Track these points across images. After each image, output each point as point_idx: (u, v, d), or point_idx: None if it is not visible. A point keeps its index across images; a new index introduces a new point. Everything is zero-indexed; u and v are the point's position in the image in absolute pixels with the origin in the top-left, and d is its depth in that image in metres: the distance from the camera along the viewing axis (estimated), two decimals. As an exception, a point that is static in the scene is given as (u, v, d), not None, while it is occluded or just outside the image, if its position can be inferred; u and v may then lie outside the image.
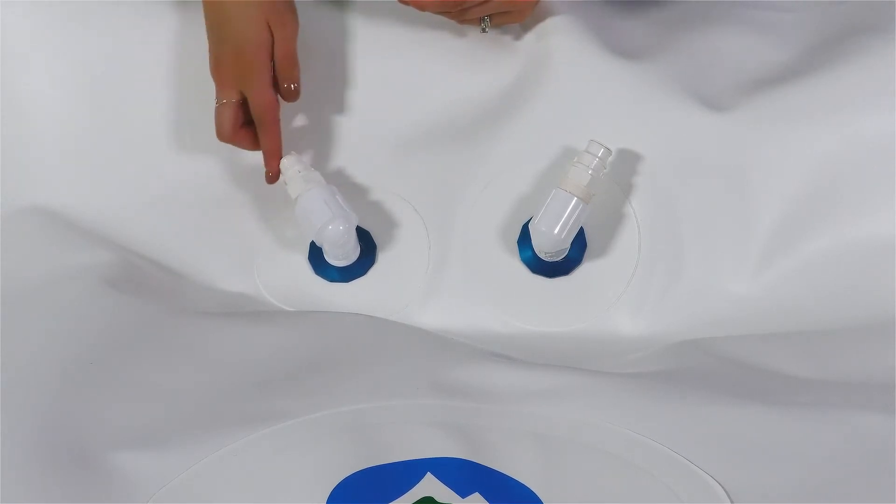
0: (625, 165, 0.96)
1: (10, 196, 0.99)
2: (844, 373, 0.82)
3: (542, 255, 0.95)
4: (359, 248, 0.98)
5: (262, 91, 0.93)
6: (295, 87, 0.94)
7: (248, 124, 0.95)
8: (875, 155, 0.91)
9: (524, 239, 0.96)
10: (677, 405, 0.77)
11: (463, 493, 0.70)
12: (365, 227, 0.98)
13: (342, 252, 0.96)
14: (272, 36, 0.92)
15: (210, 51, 0.94)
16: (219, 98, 0.93)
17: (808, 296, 0.92)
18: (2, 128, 0.99)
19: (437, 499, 0.69)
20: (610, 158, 0.93)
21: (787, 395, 0.78)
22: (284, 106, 1.01)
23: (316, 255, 0.99)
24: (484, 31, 0.97)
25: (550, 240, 0.91)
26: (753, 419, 0.75)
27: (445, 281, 0.97)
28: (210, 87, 0.97)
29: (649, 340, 0.92)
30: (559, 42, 0.98)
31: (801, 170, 0.93)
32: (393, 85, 1.01)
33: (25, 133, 1.00)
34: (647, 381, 0.81)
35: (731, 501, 0.69)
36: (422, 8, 0.91)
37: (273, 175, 0.95)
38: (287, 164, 0.95)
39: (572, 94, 0.97)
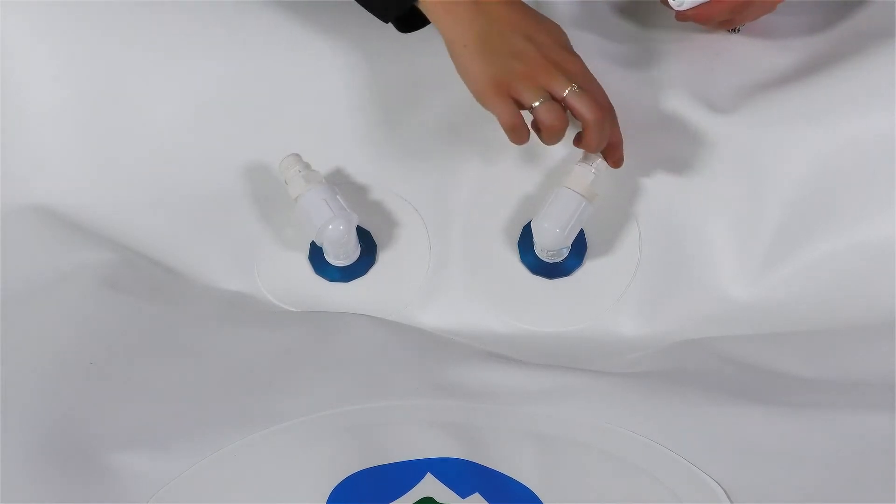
0: (626, 166, 0.95)
1: (10, 195, 0.99)
2: (844, 373, 0.82)
3: (542, 255, 0.95)
4: (359, 248, 0.98)
5: (596, 83, 0.89)
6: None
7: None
8: (876, 156, 0.91)
9: (525, 241, 0.96)
10: (677, 405, 0.77)
11: (463, 494, 0.70)
12: (365, 226, 0.99)
13: (342, 252, 0.96)
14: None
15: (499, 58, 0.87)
16: (528, 101, 0.86)
17: (808, 296, 0.91)
18: (2, 127, 0.99)
19: (437, 499, 0.69)
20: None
21: (787, 395, 0.78)
22: (284, 106, 1.01)
23: (316, 255, 0.99)
24: (737, 31, 1.00)
25: (553, 237, 0.91)
26: (753, 419, 0.75)
27: (445, 281, 0.97)
28: (206, 85, 0.97)
29: (649, 340, 0.92)
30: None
31: (803, 171, 0.93)
32: (394, 85, 1.01)
33: (26, 133, 1.00)
34: (647, 381, 0.81)
35: (731, 502, 0.69)
36: (704, 23, 0.95)
37: (620, 159, 0.92)
38: (287, 164, 0.95)
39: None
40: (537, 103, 0.85)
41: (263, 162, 1.00)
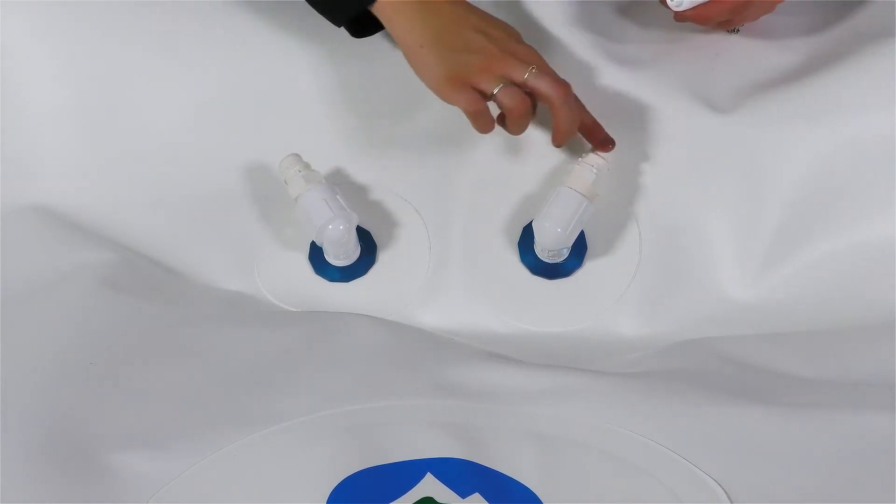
0: (626, 166, 0.96)
1: (10, 195, 0.99)
2: (844, 373, 0.82)
3: (543, 255, 0.95)
4: (359, 248, 0.98)
5: (552, 70, 0.91)
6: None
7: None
8: (876, 156, 0.91)
9: (525, 241, 0.96)
10: (677, 405, 0.77)
11: (463, 494, 0.70)
12: (365, 226, 0.98)
13: (343, 252, 0.96)
14: None
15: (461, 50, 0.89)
16: (488, 89, 0.88)
17: (808, 297, 0.91)
18: (2, 127, 0.99)
19: (437, 499, 0.69)
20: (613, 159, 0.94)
21: (787, 395, 0.78)
22: (284, 106, 1.01)
23: (316, 255, 0.99)
24: (736, 31, 1.01)
25: (554, 237, 0.91)
26: (754, 419, 0.75)
27: (445, 281, 0.97)
28: (206, 85, 0.97)
29: (649, 340, 0.92)
30: (561, 43, 0.99)
31: (803, 171, 0.93)
32: (394, 85, 1.01)
33: (26, 133, 1.00)
34: (647, 381, 0.81)
35: (731, 502, 0.69)
36: (703, 23, 0.95)
37: (607, 139, 0.94)
38: (287, 164, 0.95)
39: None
40: (497, 89, 0.86)
41: (263, 162, 1.00)
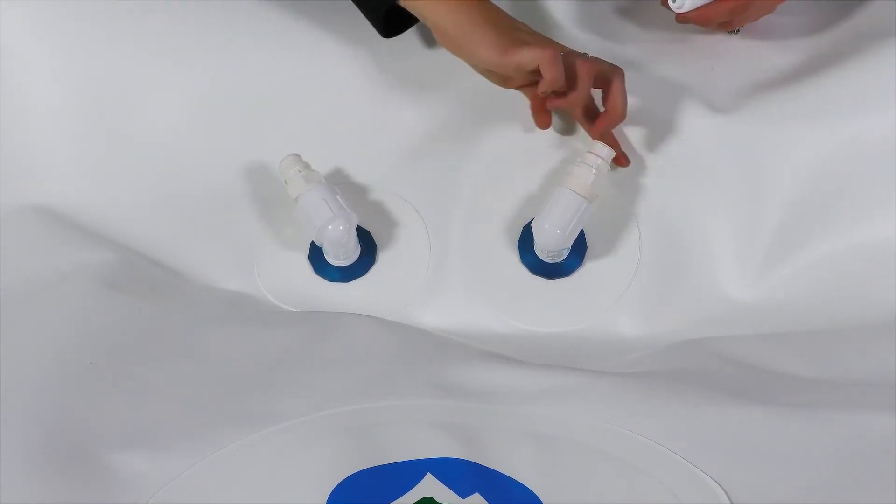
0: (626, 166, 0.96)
1: (10, 195, 0.99)
2: (844, 373, 0.82)
3: (542, 255, 0.95)
4: (359, 248, 0.98)
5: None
6: None
7: None
8: (876, 156, 0.92)
9: (525, 241, 0.96)
10: (677, 405, 0.77)
11: (463, 494, 0.70)
12: (365, 227, 0.98)
13: (343, 252, 0.96)
14: None
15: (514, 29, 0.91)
16: (554, 54, 0.88)
17: (808, 297, 0.92)
18: (2, 127, 0.99)
19: (437, 499, 0.69)
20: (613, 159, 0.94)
21: (787, 395, 0.78)
22: (284, 106, 1.02)
23: (316, 255, 0.99)
24: (737, 32, 1.01)
25: (553, 238, 0.91)
26: (754, 419, 0.75)
27: (445, 281, 0.97)
28: (206, 85, 0.97)
29: (649, 340, 0.92)
30: (561, 43, 0.99)
31: (803, 171, 0.93)
32: (394, 85, 1.01)
33: (26, 133, 1.00)
34: (647, 381, 0.81)
35: (731, 502, 0.69)
36: (704, 25, 0.97)
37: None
38: (287, 164, 0.95)
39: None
40: (563, 54, 0.89)
41: (263, 162, 1.00)
